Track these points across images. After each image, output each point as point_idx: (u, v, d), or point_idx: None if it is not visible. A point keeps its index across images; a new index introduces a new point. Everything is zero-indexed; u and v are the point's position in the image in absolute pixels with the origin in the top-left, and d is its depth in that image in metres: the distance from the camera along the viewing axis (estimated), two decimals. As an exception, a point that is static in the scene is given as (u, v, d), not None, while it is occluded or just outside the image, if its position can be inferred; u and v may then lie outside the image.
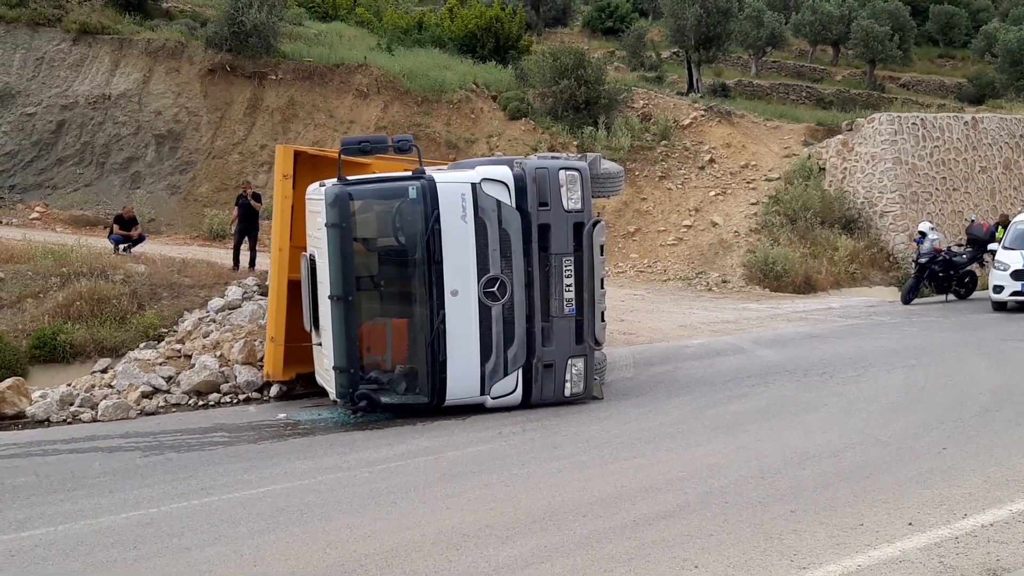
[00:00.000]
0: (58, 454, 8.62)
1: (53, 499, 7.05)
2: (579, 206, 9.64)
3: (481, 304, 9.35)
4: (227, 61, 27.68)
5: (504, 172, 9.49)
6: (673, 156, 26.78)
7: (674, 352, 13.31)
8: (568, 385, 9.70)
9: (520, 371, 9.55)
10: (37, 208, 25.21)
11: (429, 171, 9.60)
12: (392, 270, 9.65)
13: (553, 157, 10.26)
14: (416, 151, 9.63)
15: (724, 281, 21.51)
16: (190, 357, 11.81)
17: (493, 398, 9.49)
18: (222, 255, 18.34)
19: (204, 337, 12.59)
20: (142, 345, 12.91)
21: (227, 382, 11.22)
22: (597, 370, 10.62)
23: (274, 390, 11.04)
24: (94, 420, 10.18)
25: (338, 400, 9.43)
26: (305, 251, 10.20)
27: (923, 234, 18.78)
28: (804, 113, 31.08)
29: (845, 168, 23.72)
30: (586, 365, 9.77)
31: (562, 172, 9.58)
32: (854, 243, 22.16)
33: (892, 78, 40.19)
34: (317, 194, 9.43)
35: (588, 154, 10.39)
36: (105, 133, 27.05)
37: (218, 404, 10.88)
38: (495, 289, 9.37)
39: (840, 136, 24.39)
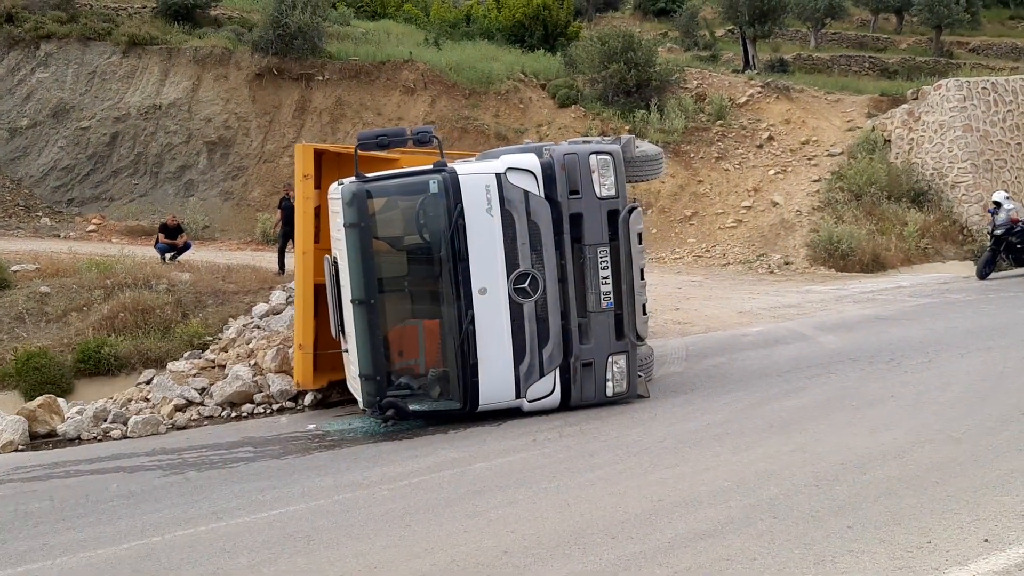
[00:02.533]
0: (79, 475, 8.32)
1: (62, 527, 6.70)
2: (613, 192, 8.99)
3: (512, 302, 8.78)
4: (274, 65, 27.58)
5: (531, 160, 8.89)
6: (729, 136, 25.84)
7: (730, 342, 12.55)
8: (610, 384, 9.07)
9: (557, 371, 8.95)
10: (94, 220, 25.43)
11: (455, 164, 9.05)
12: (419, 269, 9.11)
13: (584, 142, 9.60)
14: (437, 143, 9.10)
15: (787, 263, 20.57)
16: (224, 367, 11.48)
17: (530, 401, 8.91)
18: (271, 259, 18.13)
19: (247, 344, 12.29)
20: (186, 354, 12.69)
21: (260, 392, 10.86)
22: (643, 366, 9.97)
23: (308, 399, 10.64)
24: (124, 437, 9.91)
25: (366, 409, 8.94)
26: (331, 254, 9.75)
27: (998, 204, 17.60)
28: (867, 84, 29.76)
29: (912, 139, 22.51)
30: (628, 362, 9.12)
31: (593, 157, 8.93)
32: (924, 217, 21.00)
33: (960, 43, 38.33)
34: (336, 193, 8.96)
35: (622, 136, 9.73)
36: (157, 143, 27.13)
37: (251, 415, 10.53)
38: (526, 285, 8.79)
39: (905, 106, 23.17)
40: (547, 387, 8.92)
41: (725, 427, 7.96)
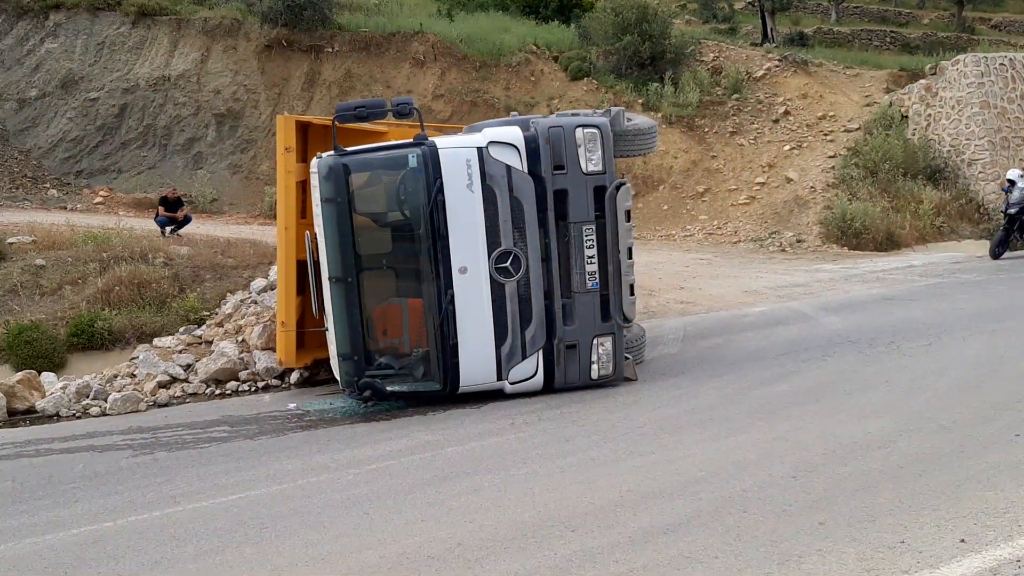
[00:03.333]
0: (49, 455, 8.15)
1: (16, 510, 6.52)
2: (600, 167, 8.66)
3: (493, 281, 8.51)
4: (283, 36, 27.28)
5: (514, 134, 8.58)
6: (745, 110, 25.33)
7: (730, 322, 12.23)
8: (595, 367, 8.79)
9: (540, 353, 8.68)
10: (101, 193, 25.32)
11: (439, 138, 8.76)
12: (401, 247, 8.82)
13: (574, 114, 9.27)
14: (417, 114, 8.81)
15: (799, 241, 20.15)
16: (211, 343, 11.30)
17: (512, 383, 8.65)
18: (274, 234, 17.91)
19: (240, 320, 12.10)
20: (181, 329, 12.51)
21: (246, 369, 10.67)
22: (632, 348, 9.71)
23: (294, 377, 10.44)
24: (103, 414, 9.74)
25: (344, 389, 8.72)
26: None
27: (1012, 182, 17.08)
28: (887, 59, 29.09)
29: (929, 115, 21.94)
30: (615, 344, 8.83)
31: (579, 130, 8.61)
32: (940, 195, 20.49)
33: (983, 19, 37.48)
34: (314, 167, 8.69)
35: (612, 108, 9.39)
36: (166, 115, 26.96)
37: (235, 393, 10.34)
38: (508, 264, 8.51)
39: (923, 81, 22.57)
40: (530, 369, 8.67)
41: (710, 412, 7.68)
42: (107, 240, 15.95)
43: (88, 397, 10.18)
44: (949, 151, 21.30)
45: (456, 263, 8.43)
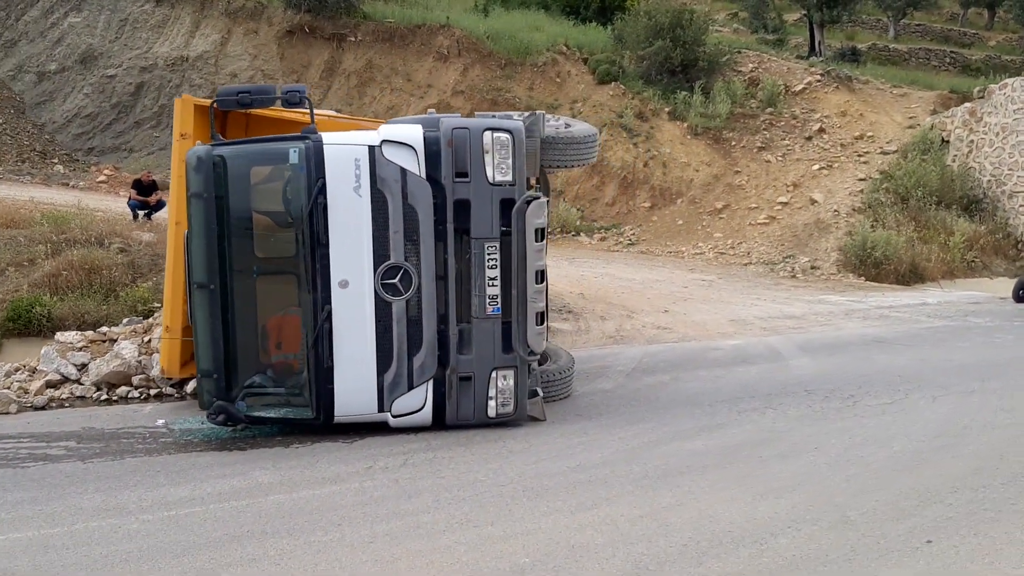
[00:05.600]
0: None
1: None
2: (509, 177, 7.54)
3: (379, 299, 7.45)
4: (306, 22, 26.61)
5: (411, 133, 7.50)
6: (778, 125, 23.91)
7: (692, 356, 11.02)
8: (492, 404, 7.67)
9: (431, 384, 7.60)
10: (105, 171, 24.85)
11: (329, 133, 7.74)
12: (277, 253, 7.80)
13: (506, 116, 8.15)
14: (308, 104, 7.79)
15: (813, 267, 18.73)
16: (116, 342, 10.43)
17: (395, 416, 7.58)
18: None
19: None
20: (125, 321, 11.69)
21: (143, 373, 9.77)
22: (555, 381, 8.63)
23: (191, 386, 9.50)
24: (-31, 413, 8.89)
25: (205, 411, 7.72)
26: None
27: (1046, 220, 15.49)
28: (941, 80, 27.29)
29: (971, 141, 20.31)
30: (517, 379, 7.70)
31: (488, 134, 7.49)
32: (975, 227, 18.88)
33: (1055, 44, 35.31)
34: (187, 158, 7.70)
35: (537, 112, 8.26)
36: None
37: (125, 399, 9.44)
38: (397, 280, 7.45)
39: (968, 105, 20.93)
40: (417, 401, 7.59)
41: (593, 472, 6.52)
42: (66, 221, 15.28)
43: (-31, 392, 9.36)
44: (989, 181, 19.68)
45: (336, 275, 7.40)
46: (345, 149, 7.40)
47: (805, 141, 23.37)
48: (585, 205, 23.42)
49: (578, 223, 22.58)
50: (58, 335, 10.67)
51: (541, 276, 7.73)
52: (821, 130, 23.53)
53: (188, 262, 7.75)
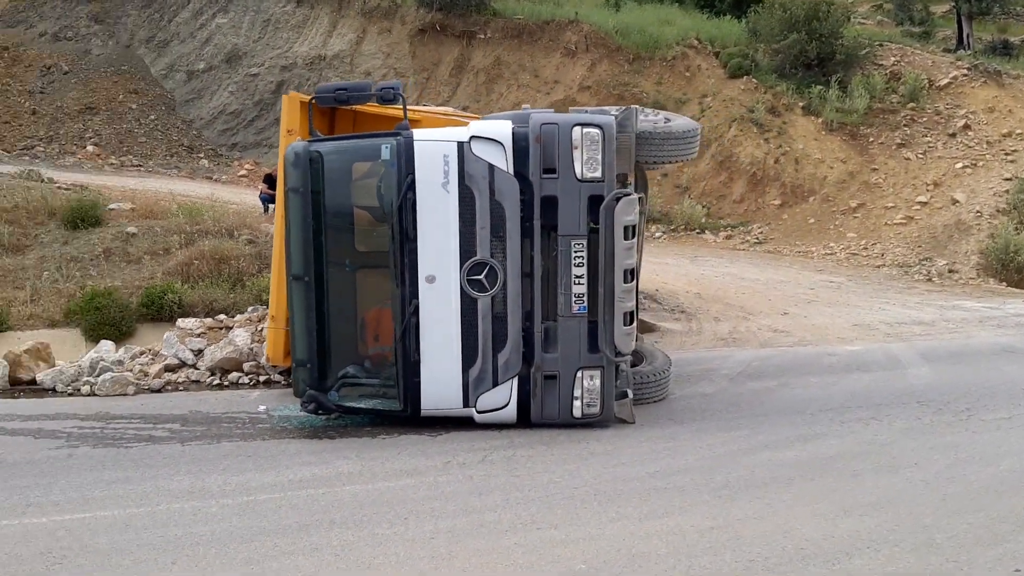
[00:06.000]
0: (-10, 434, 7.83)
1: None
2: (598, 174, 7.39)
3: (464, 295, 7.45)
4: (437, 21, 27.03)
5: (500, 128, 7.46)
6: (919, 121, 22.71)
7: (806, 361, 10.58)
8: (577, 404, 7.55)
9: (515, 381, 7.54)
10: (246, 166, 25.96)
11: (421, 129, 7.79)
12: (369, 248, 7.93)
13: (601, 112, 8.00)
14: (402, 101, 7.85)
15: (951, 271, 17.69)
16: (231, 329, 10.84)
17: (480, 412, 7.57)
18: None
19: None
20: (249, 309, 12.20)
21: (253, 360, 10.11)
22: (648, 383, 8.44)
23: (297, 374, 9.76)
24: (92, 394, 9.41)
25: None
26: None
27: None
28: (1107, 74, 25.30)
29: None
30: (603, 380, 7.56)
31: (577, 129, 7.37)
32: None
33: None
34: (285, 154, 7.92)
35: (631, 106, 8.06)
36: (318, 94, 27.23)
37: (235, 385, 9.79)
38: (482, 277, 7.43)
39: None
40: (502, 398, 7.55)
41: (673, 479, 6.33)
42: (200, 213, 16.04)
43: (90, 374, 9.91)
44: None
45: (424, 270, 7.45)
46: (434, 145, 7.42)
47: (948, 138, 22.12)
48: (712, 202, 22.87)
49: (703, 220, 22.07)
50: (179, 321, 11.17)
51: (631, 275, 7.56)
52: (966, 127, 22.22)
53: (286, 255, 7.97)
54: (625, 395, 7.86)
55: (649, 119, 8.62)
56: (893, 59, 25.28)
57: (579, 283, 7.45)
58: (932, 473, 6.34)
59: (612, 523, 5.47)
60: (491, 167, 7.37)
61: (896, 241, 19.71)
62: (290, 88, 27.60)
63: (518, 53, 26.49)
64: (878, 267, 18.62)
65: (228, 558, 5.00)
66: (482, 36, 26.87)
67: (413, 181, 7.37)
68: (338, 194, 7.70)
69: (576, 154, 7.35)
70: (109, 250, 14.93)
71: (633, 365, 8.84)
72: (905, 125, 22.76)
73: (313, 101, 8.02)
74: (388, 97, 7.79)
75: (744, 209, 22.61)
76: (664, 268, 17.66)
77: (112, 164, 24.24)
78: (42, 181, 17.65)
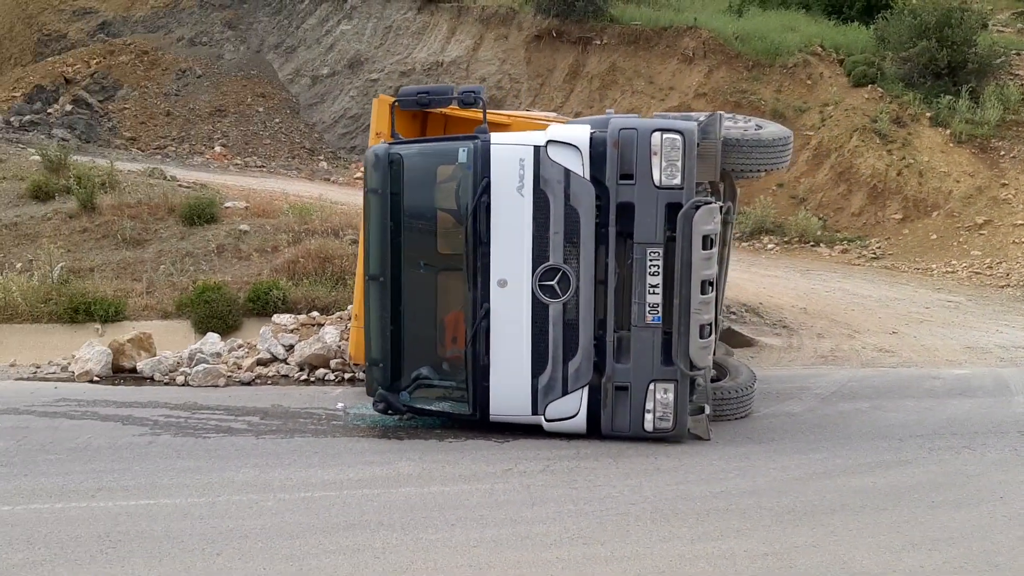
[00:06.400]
0: (83, 418, 8.19)
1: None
2: (677, 181, 7.19)
3: (536, 300, 7.37)
4: (553, 27, 27.05)
5: (577, 133, 7.35)
6: (1057, 135, 21.38)
7: (906, 384, 10.07)
8: (649, 417, 7.36)
9: (586, 391, 7.41)
10: (362, 168, 26.50)
11: (501, 133, 7.75)
12: (444, 250, 7.92)
13: (685, 118, 7.81)
14: (482, 104, 7.83)
15: (1083, 295, 16.54)
16: (322, 326, 11.07)
17: (549, 420, 7.47)
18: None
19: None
20: (349, 307, 12.49)
21: (340, 357, 10.30)
22: (730, 399, 8.18)
23: (381, 373, 9.88)
24: (186, 384, 9.75)
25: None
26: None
27: None
28: None
29: None
30: (677, 394, 7.34)
31: (656, 135, 7.19)
32: None
33: None
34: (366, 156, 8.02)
35: (716, 113, 7.81)
36: (435, 99, 27.61)
37: (322, 380, 9.99)
38: (555, 283, 7.33)
39: None
40: (572, 407, 7.44)
41: (737, 500, 6.08)
42: (308, 213, 16.46)
43: (188, 365, 10.28)
44: None
45: (496, 274, 7.41)
46: (511, 149, 7.38)
47: (1089, 153, 20.75)
48: (829, 214, 22.06)
49: (818, 233, 21.30)
50: (275, 317, 11.47)
51: (709, 286, 7.32)
52: (1109, 141, 20.79)
53: (364, 254, 8.07)
54: (702, 410, 7.62)
55: (739, 126, 8.35)
56: (1033, 68, 23.92)
57: (654, 293, 7.26)
58: (1016, 509, 5.90)
59: (662, 543, 5.29)
60: (567, 172, 7.27)
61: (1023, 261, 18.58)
62: (408, 93, 28.10)
63: (633, 59, 26.24)
64: (1002, 287, 17.58)
65: (271, 553, 5.06)
66: (598, 42, 26.74)
67: (488, 184, 7.35)
68: (416, 196, 7.73)
69: (655, 160, 7.18)
70: (222, 246, 15.48)
71: (716, 380, 8.59)
72: (1042, 138, 21.47)
73: (396, 104, 8.07)
74: (469, 101, 7.81)
75: (863, 223, 21.73)
76: (772, 281, 17.17)
77: (236, 164, 25.18)
78: (165, 179, 18.46)
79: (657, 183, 7.19)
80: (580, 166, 7.27)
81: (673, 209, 7.21)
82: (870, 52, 24.80)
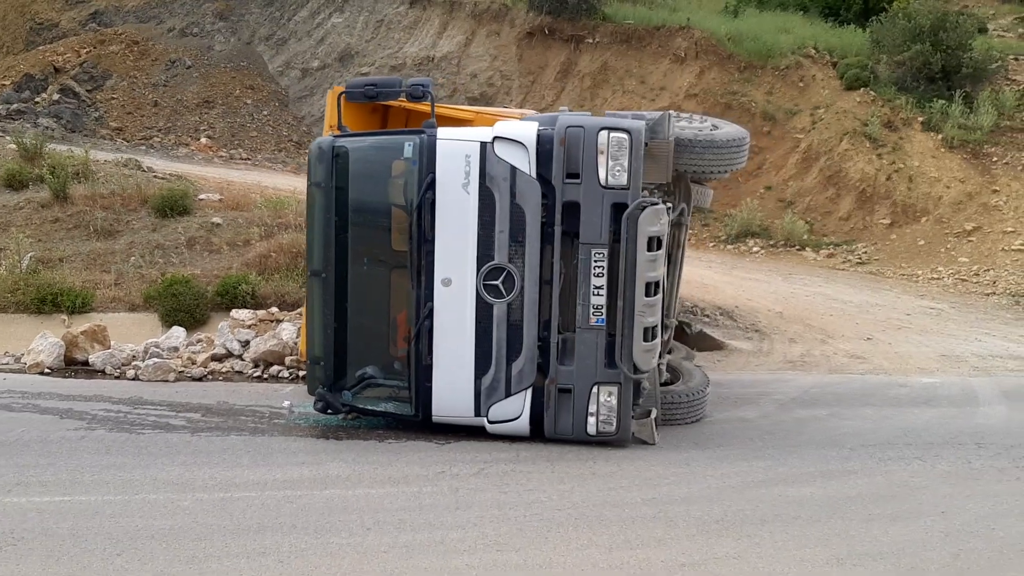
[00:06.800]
0: (24, 411, 8.04)
1: None
2: (623, 181, 7.02)
3: (480, 300, 7.20)
4: (546, 24, 26.88)
5: (524, 130, 7.18)
6: (1053, 141, 21.20)
7: (870, 391, 9.90)
8: (592, 420, 7.20)
9: (530, 393, 7.25)
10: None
11: (448, 128, 7.58)
12: (388, 246, 7.73)
13: (635, 117, 7.61)
14: (430, 98, 7.66)
15: (1069, 305, 16.35)
16: (280, 322, 10.92)
17: (491, 422, 7.31)
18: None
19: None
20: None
21: (295, 355, 10.13)
22: (679, 404, 8.03)
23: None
24: (136, 378, 9.59)
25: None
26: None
27: None
28: None
29: None
30: (620, 397, 7.18)
31: (603, 133, 7.02)
32: None
33: None
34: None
35: (667, 112, 7.63)
36: (424, 95, 27.44)
37: (275, 377, 9.83)
38: (499, 282, 7.17)
39: None
40: (514, 409, 7.27)
41: (668, 508, 5.92)
42: (282, 206, 16.30)
43: (144, 358, 10.12)
44: None
45: (440, 273, 7.25)
46: (457, 145, 7.21)
47: (1084, 160, 20.56)
48: (817, 218, 21.88)
49: (805, 237, 21.12)
50: (233, 312, 11.31)
51: (654, 288, 7.15)
52: (1104, 148, 20.59)
53: (307, 250, 7.91)
54: (649, 414, 7.46)
55: (694, 126, 8.18)
56: (1029, 74, 23.75)
57: (598, 294, 7.10)
58: (956, 525, 5.73)
59: (579, 551, 5.13)
60: (513, 169, 7.10)
61: (1012, 268, 18.38)
62: (399, 88, 27.92)
63: (625, 58, 26.08)
64: (987, 295, 17.38)
65: (174, 554, 4.92)
66: (590, 40, 26.56)
67: (433, 180, 7.18)
68: (361, 191, 7.56)
69: (601, 159, 7.01)
70: (193, 239, 15.33)
71: (668, 383, 8.45)
72: (1035, 145, 21.28)
73: (342, 96, 7.91)
74: (417, 94, 7.62)
75: (850, 227, 21.54)
76: (753, 284, 17.01)
77: (221, 156, 25.02)
78: (141, 170, 18.31)
79: (603, 182, 7.03)
80: (527, 164, 7.10)
81: (619, 209, 7.04)
82: (864, 55, 24.62)
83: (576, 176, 7.06)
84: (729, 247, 21.09)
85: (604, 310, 7.11)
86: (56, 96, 25.59)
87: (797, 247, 20.95)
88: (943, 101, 22.25)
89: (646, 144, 7.13)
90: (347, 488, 6.15)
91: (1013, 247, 19.07)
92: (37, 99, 25.81)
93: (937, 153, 21.83)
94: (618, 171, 7.00)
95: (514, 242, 7.15)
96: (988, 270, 18.59)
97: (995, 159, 21.34)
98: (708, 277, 17.12)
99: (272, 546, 5.07)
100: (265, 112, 27.85)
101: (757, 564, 5.00)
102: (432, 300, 7.26)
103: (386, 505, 5.83)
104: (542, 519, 5.63)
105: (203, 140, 25.62)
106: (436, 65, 27.63)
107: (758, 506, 6.00)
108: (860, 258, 20.28)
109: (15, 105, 24.73)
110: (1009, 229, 19.62)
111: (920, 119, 22.44)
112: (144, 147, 24.69)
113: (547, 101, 26.02)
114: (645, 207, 6.99)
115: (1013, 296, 17.05)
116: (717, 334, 12.78)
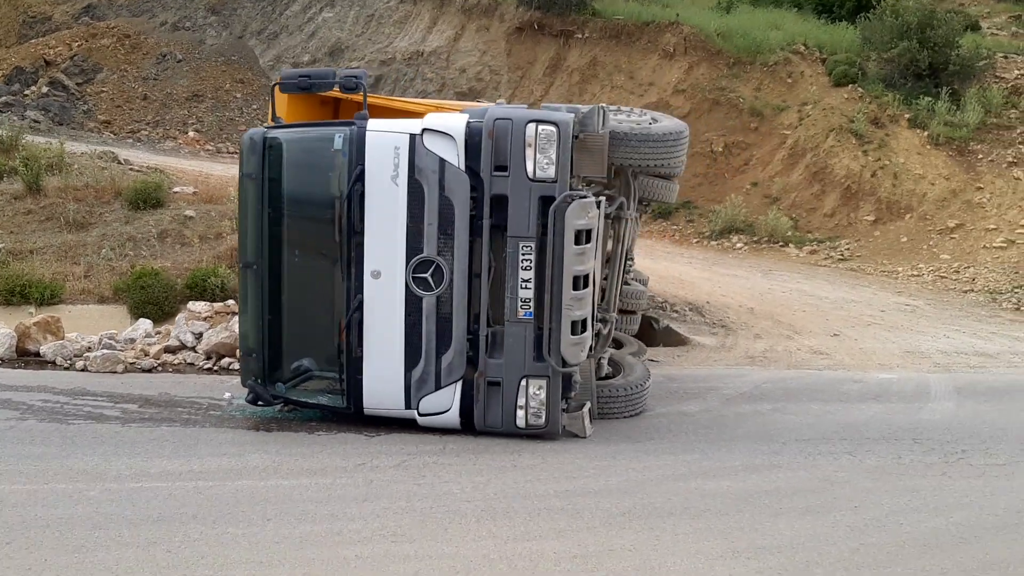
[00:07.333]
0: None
1: None
2: (550, 174, 6.99)
3: (409, 293, 7.19)
4: (535, 19, 26.84)
5: (453, 122, 7.16)
6: (1039, 139, 21.08)
7: (821, 387, 9.86)
8: (521, 413, 7.17)
9: (459, 386, 7.23)
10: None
11: (379, 120, 7.55)
12: (318, 238, 7.67)
13: (569, 111, 7.55)
14: (363, 90, 7.64)
15: (1048, 301, 16.26)
16: (235, 314, 10.90)
17: (422, 415, 7.30)
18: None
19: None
20: None
21: (248, 348, 10.13)
22: (618, 397, 7.99)
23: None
24: (84, 369, 9.60)
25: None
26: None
27: None
28: None
29: None
30: (549, 390, 7.15)
31: (531, 126, 6.98)
32: None
33: None
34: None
35: (599, 105, 7.59)
36: (414, 89, 27.50)
37: (226, 369, 9.81)
38: (428, 275, 7.15)
39: None
40: (444, 402, 7.26)
41: (579, 500, 5.89)
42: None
43: (97, 350, 10.13)
44: None
45: (369, 265, 7.23)
46: (386, 136, 7.19)
47: (1069, 158, 20.43)
48: (801, 214, 21.80)
49: (788, 233, 21.04)
50: (190, 304, 11.30)
51: (582, 282, 7.12)
52: (1090, 146, 20.46)
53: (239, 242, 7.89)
54: (582, 407, 7.44)
55: (632, 119, 8.14)
56: (1018, 72, 23.59)
57: (526, 287, 7.07)
58: (866, 519, 5.68)
59: (475, 542, 5.11)
60: (442, 161, 7.08)
61: (992, 266, 18.28)
62: (387, 83, 27.95)
63: (615, 54, 26.01)
64: (965, 292, 17.30)
65: (61, 544, 4.91)
66: (579, 36, 26.51)
67: (362, 172, 7.16)
68: (293, 182, 7.54)
69: (529, 152, 6.98)
70: (165, 232, 15.30)
71: (609, 377, 8.42)
72: (1021, 143, 21.15)
73: (276, 86, 7.89)
74: (350, 86, 7.62)
75: (835, 224, 21.45)
76: (730, 280, 16.97)
77: (208, 150, 25.05)
78: (118, 162, 18.33)
79: (531, 175, 7.00)
80: (455, 156, 7.08)
81: (547, 202, 7.01)
82: (854, 52, 24.52)
83: (504, 169, 7.03)
84: (713, 243, 21.04)
85: (532, 304, 7.08)
86: (45, 89, 25.65)
87: (780, 243, 20.88)
88: (930, 98, 22.15)
89: (576, 137, 7.10)
90: (260, 479, 6.15)
91: (994, 244, 18.97)
92: (26, 92, 25.87)
93: (923, 150, 21.73)
94: (546, 164, 6.97)
95: (443, 235, 7.13)
96: (968, 267, 18.50)
97: (980, 156, 21.23)
98: (686, 273, 17.09)
99: (164, 536, 5.06)
100: (255, 106, 27.85)
101: (649, 556, 4.97)
102: (362, 292, 7.24)
103: (294, 496, 5.82)
104: (448, 511, 5.61)
105: (191, 134, 25.65)
106: (425, 60, 27.63)
107: (670, 499, 5.98)
108: (842, 255, 20.20)
109: (4, 98, 24.80)
110: (992, 226, 19.52)
111: (907, 116, 22.33)
112: (131, 140, 24.73)
113: (536, 96, 25.94)
114: (572, 200, 6.95)
115: (990, 293, 16.97)
116: (683, 329, 12.74)
